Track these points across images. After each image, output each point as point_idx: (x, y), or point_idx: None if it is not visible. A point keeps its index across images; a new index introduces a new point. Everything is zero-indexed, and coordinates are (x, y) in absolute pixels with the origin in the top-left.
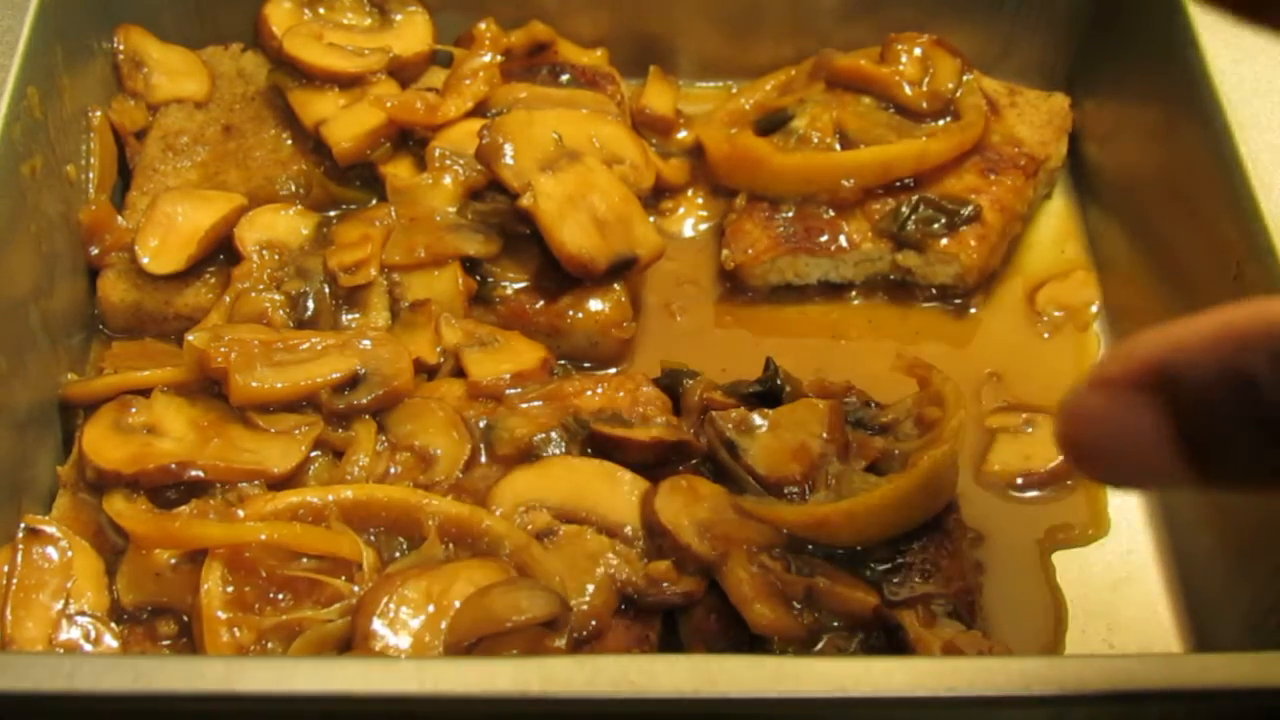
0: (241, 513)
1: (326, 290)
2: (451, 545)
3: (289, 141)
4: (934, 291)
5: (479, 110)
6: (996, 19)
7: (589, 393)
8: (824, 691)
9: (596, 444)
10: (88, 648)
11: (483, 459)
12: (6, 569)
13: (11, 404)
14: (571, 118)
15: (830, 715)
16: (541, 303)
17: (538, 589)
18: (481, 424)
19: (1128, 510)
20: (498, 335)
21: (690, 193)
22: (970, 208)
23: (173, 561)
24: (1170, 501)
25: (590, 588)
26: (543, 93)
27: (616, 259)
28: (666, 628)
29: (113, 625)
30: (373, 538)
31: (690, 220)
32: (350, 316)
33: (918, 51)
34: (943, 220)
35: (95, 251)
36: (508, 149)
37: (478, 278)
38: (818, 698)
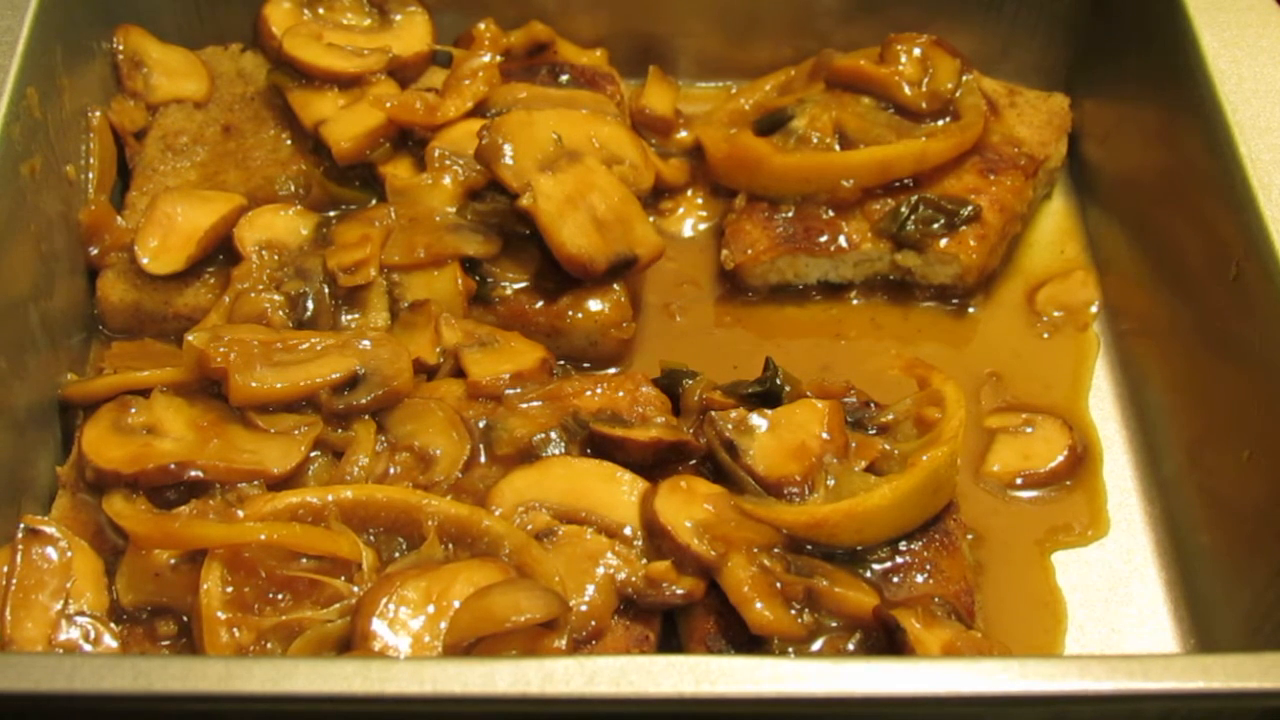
0: (241, 513)
1: (326, 290)
2: (451, 545)
3: (289, 141)
4: (934, 291)
5: (479, 110)
6: (996, 19)
7: (589, 393)
8: (824, 691)
9: (596, 444)
10: (87, 648)
11: (482, 459)
12: (6, 569)
13: (11, 404)
14: (571, 118)
15: (830, 715)
16: (541, 303)
17: (538, 589)
18: (481, 424)
19: (1128, 510)
20: (497, 335)
21: (690, 193)
22: (970, 208)
23: (172, 561)
24: (1170, 501)
25: (590, 588)
26: (542, 93)
27: (616, 259)
28: (666, 628)
29: (112, 625)
30: (372, 538)
31: (690, 220)
32: (350, 317)
33: (917, 51)
34: (942, 220)
35: (95, 251)
36: (507, 149)
37: (477, 278)
38: (818, 698)
